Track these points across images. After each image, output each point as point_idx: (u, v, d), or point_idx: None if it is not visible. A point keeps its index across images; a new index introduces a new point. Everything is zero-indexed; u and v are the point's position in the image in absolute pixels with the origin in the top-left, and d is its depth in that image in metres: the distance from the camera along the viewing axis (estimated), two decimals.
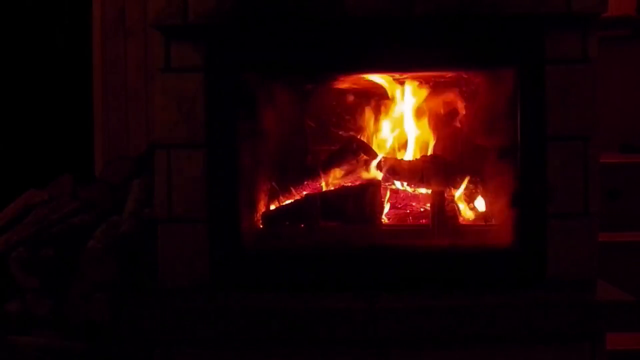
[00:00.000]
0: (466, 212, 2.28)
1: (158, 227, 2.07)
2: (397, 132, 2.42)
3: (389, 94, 2.38)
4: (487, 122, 2.23)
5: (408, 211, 2.32)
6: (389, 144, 2.43)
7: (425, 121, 2.40)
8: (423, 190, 2.32)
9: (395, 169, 2.32)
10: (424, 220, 2.26)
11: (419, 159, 2.34)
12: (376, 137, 2.42)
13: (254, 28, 2.02)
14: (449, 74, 2.31)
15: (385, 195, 2.29)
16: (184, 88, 2.05)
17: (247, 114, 2.12)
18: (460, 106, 2.37)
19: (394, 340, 1.91)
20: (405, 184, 2.32)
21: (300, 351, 1.92)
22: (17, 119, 3.40)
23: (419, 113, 2.39)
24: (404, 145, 2.42)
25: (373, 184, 2.24)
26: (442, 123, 2.40)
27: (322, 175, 2.36)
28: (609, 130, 3.15)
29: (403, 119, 2.41)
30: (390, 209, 2.31)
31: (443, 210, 2.17)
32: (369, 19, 1.97)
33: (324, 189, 2.35)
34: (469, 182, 2.27)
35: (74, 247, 2.36)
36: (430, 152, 2.39)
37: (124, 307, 1.97)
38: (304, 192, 2.33)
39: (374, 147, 2.39)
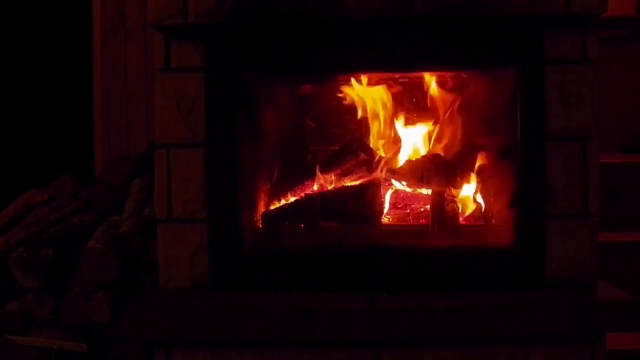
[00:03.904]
0: (466, 212, 2.28)
1: (158, 227, 2.07)
2: (397, 132, 2.42)
3: (389, 94, 2.38)
4: (487, 122, 2.23)
5: (408, 211, 2.32)
6: (388, 144, 2.43)
7: (425, 121, 2.39)
8: (423, 191, 2.32)
9: (395, 168, 2.32)
10: (424, 220, 2.26)
11: (419, 159, 2.33)
12: (376, 137, 2.42)
13: (254, 28, 2.02)
14: (449, 74, 2.31)
15: (385, 195, 2.29)
16: (184, 88, 2.05)
17: (247, 114, 2.12)
18: (460, 106, 2.37)
19: (394, 340, 1.91)
20: (405, 183, 2.32)
21: (300, 351, 1.92)
22: (18, 119, 3.41)
23: (418, 113, 2.39)
24: (404, 145, 2.42)
25: (373, 184, 2.24)
26: (442, 123, 2.39)
27: (322, 175, 2.36)
28: (609, 130, 3.14)
29: (403, 119, 2.40)
30: (390, 209, 2.31)
31: (443, 210, 2.17)
32: (369, 19, 1.97)
33: (324, 189, 2.35)
34: (469, 182, 2.27)
35: (74, 247, 2.36)
36: (429, 151, 2.38)
37: (124, 307, 1.97)
38: (304, 192, 2.33)
39: (374, 147, 2.39)
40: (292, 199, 2.33)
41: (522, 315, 1.87)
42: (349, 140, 2.41)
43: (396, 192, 2.33)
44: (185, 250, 2.05)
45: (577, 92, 2.01)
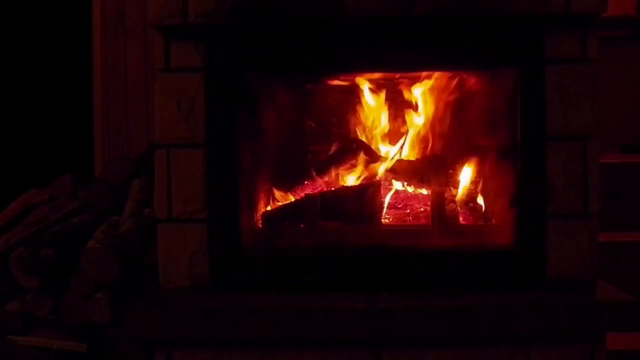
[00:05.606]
0: (466, 212, 2.28)
1: (158, 227, 2.07)
2: (396, 132, 2.42)
3: (389, 94, 2.38)
4: (487, 122, 2.23)
5: (408, 211, 2.32)
6: (388, 144, 2.43)
7: (424, 121, 2.39)
8: (423, 191, 2.32)
9: (395, 169, 2.31)
10: (424, 220, 2.26)
11: (419, 159, 2.33)
12: (376, 137, 2.42)
13: (254, 28, 2.02)
14: (449, 74, 2.31)
15: (386, 195, 2.29)
16: (184, 88, 2.05)
17: (247, 114, 2.12)
18: (460, 106, 2.37)
19: (394, 340, 1.91)
20: (405, 183, 2.32)
21: (300, 351, 1.92)
22: (18, 119, 3.41)
23: (418, 112, 2.39)
24: (404, 146, 2.42)
25: (373, 184, 2.24)
26: (442, 123, 2.39)
27: (322, 175, 2.36)
28: (609, 130, 3.15)
29: (403, 119, 2.40)
30: (390, 209, 2.30)
31: (443, 210, 2.17)
32: (369, 19, 1.97)
33: (324, 189, 2.35)
34: (469, 182, 2.27)
35: (74, 247, 2.36)
36: (428, 152, 2.38)
37: (124, 307, 1.97)
38: (304, 192, 2.33)
39: (374, 147, 2.39)
40: (292, 199, 2.33)
41: (522, 315, 1.87)
42: (349, 140, 2.41)
43: (396, 192, 2.33)
44: (185, 250, 2.05)
45: (577, 92, 2.01)
